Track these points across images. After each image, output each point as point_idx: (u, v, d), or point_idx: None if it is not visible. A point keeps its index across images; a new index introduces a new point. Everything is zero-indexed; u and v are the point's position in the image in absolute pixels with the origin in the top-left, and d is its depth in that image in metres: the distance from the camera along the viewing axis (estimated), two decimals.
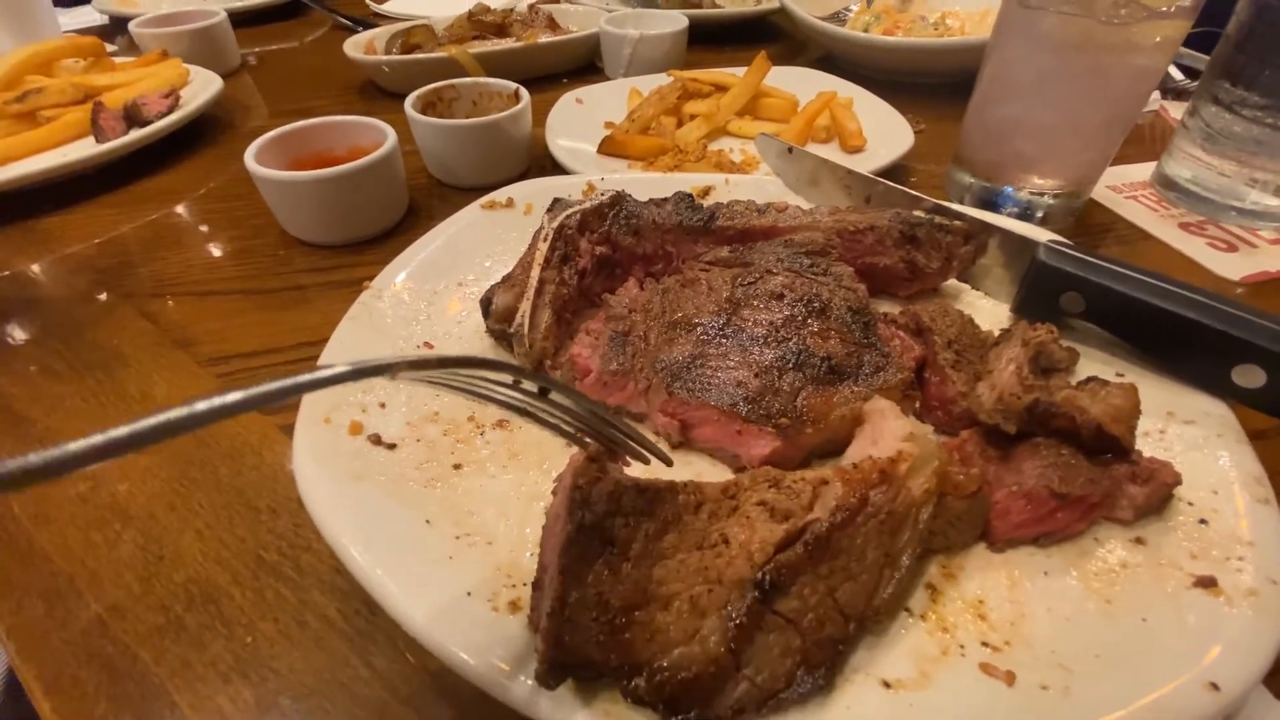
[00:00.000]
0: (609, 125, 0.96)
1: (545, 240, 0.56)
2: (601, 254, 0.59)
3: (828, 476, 0.39)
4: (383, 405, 0.49)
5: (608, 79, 1.19)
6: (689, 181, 0.74)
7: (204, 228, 0.82)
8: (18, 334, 0.66)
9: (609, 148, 0.88)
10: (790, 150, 0.71)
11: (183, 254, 0.77)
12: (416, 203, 0.85)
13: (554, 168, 0.89)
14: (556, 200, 0.60)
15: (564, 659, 0.32)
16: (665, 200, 0.62)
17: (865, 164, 0.83)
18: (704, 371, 0.48)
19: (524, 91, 0.88)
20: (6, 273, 0.75)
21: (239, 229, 0.81)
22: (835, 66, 1.15)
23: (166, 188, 0.91)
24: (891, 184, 0.64)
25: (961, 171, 0.83)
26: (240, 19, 1.37)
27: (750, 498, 0.39)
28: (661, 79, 1.04)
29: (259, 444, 0.54)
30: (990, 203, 0.80)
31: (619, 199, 0.61)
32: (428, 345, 0.56)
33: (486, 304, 0.54)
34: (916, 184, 0.90)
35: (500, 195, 0.70)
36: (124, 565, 0.46)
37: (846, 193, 0.67)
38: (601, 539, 0.36)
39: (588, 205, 0.59)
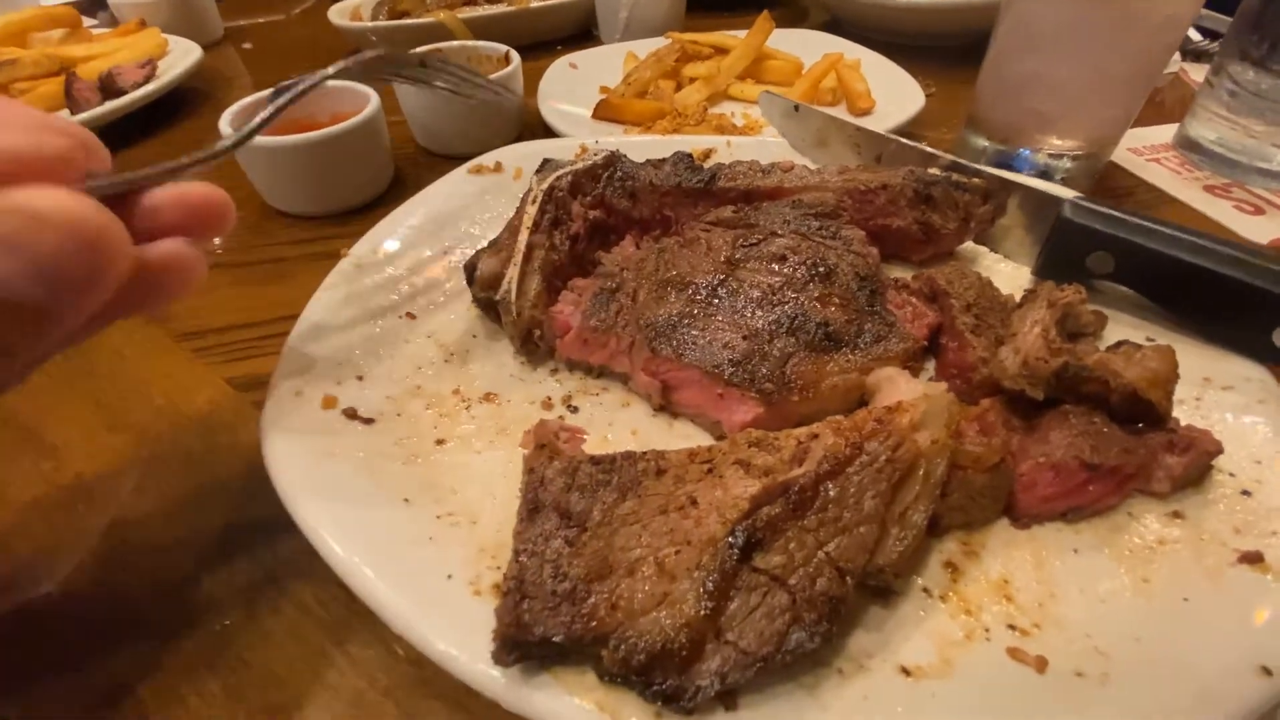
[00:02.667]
0: (604, 90, 0.92)
1: (534, 203, 0.52)
2: (595, 218, 0.56)
3: (819, 430, 0.36)
4: (360, 378, 0.46)
5: (602, 43, 1.15)
6: (689, 144, 0.70)
7: None
8: None
9: (604, 112, 0.84)
10: (796, 108, 0.67)
11: None
12: (403, 172, 0.82)
13: (547, 134, 0.85)
14: (546, 161, 0.56)
15: (520, 636, 0.29)
16: (663, 161, 0.58)
17: (874, 126, 0.78)
18: (690, 332, 0.45)
19: (514, 54, 0.84)
20: None
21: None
22: (842, 30, 1.10)
23: (143, 160, 0.87)
24: (904, 140, 0.60)
25: (976, 134, 0.79)
26: None
27: (727, 459, 0.35)
28: (660, 42, 1.00)
29: (233, 420, 0.51)
30: (1006, 166, 0.76)
31: (613, 159, 0.57)
32: (409, 316, 0.52)
33: (471, 270, 0.51)
34: (928, 144, 0.86)
35: (488, 159, 0.66)
36: (85, 549, 0.43)
37: (856, 152, 0.64)
38: (559, 514, 0.33)
39: (580, 166, 0.56)
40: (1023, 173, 0.76)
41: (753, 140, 0.71)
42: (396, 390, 0.46)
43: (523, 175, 0.65)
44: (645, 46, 0.99)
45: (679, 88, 0.91)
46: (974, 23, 1.07)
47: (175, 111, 0.98)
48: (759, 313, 0.45)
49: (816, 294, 0.46)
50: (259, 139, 0.67)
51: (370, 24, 1.03)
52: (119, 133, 0.90)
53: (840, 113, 0.87)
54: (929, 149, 0.58)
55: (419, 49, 0.85)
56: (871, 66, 0.92)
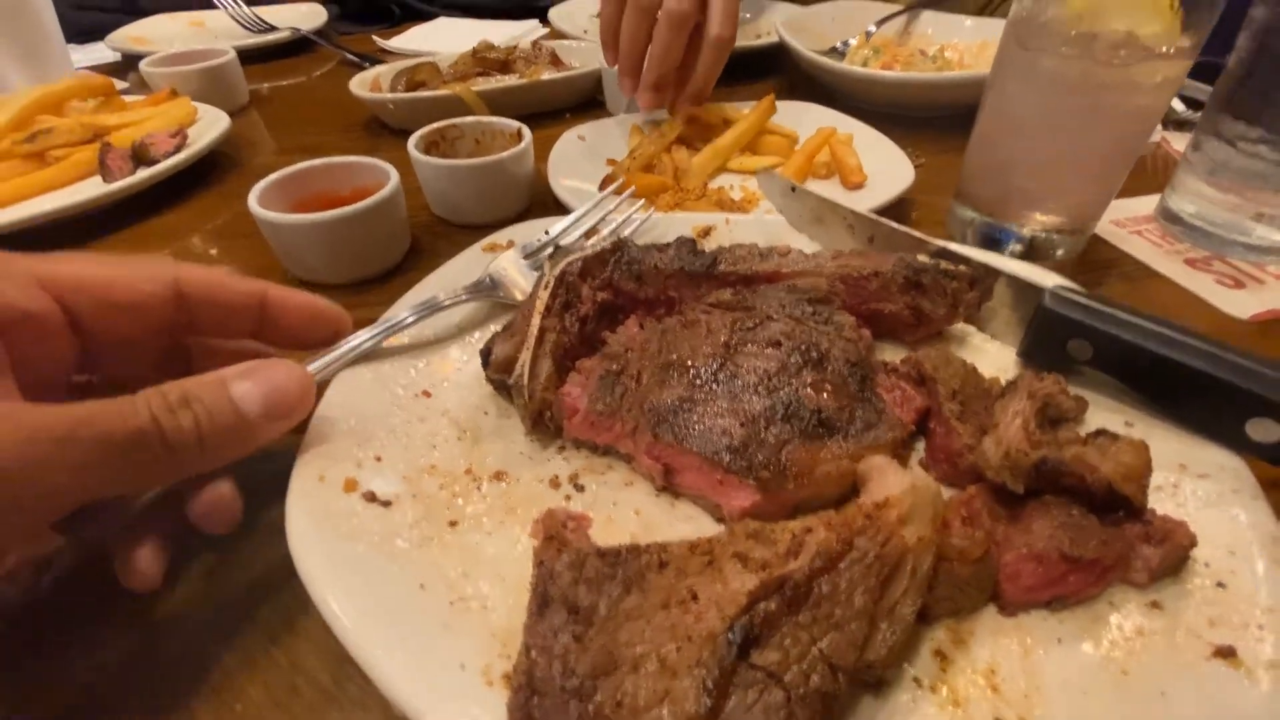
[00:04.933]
0: (611, 163, 0.97)
1: (546, 288, 0.56)
2: (603, 300, 0.59)
3: (812, 524, 0.38)
4: (378, 459, 0.48)
5: (610, 114, 1.20)
6: (691, 221, 0.74)
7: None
8: None
9: (610, 183, 0.89)
10: (794, 189, 0.71)
11: None
12: (419, 240, 0.86)
13: (556, 204, 0.89)
14: (557, 248, 0.60)
15: None
16: (667, 245, 0.62)
17: (866, 200, 0.83)
18: (691, 417, 0.47)
19: (526, 131, 0.89)
20: None
21: (242, 270, 0.81)
22: (835, 98, 1.15)
23: (172, 227, 0.92)
24: (895, 225, 0.63)
25: (963, 207, 0.83)
26: (248, 55, 1.39)
27: (726, 551, 0.37)
28: (663, 114, 1.05)
29: (249, 490, 0.53)
30: (993, 239, 0.80)
31: (621, 245, 0.61)
32: (425, 394, 0.55)
33: (486, 354, 0.54)
34: (918, 218, 0.90)
35: (501, 238, 0.70)
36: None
37: (850, 233, 0.67)
38: (567, 608, 0.35)
39: (589, 252, 0.59)
40: (1009, 245, 0.79)
41: (750, 218, 0.75)
42: (412, 470, 0.48)
43: None
44: (649, 120, 1.05)
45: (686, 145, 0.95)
46: (961, 96, 1.12)
47: (203, 176, 1.03)
48: (755, 398, 0.47)
49: (810, 380, 0.48)
50: (287, 216, 0.72)
51: (390, 95, 1.09)
52: (150, 199, 0.94)
53: (834, 186, 0.92)
54: (918, 235, 0.62)
55: (436, 124, 0.90)
56: (864, 140, 0.97)
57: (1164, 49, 0.63)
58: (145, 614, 0.46)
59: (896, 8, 1.38)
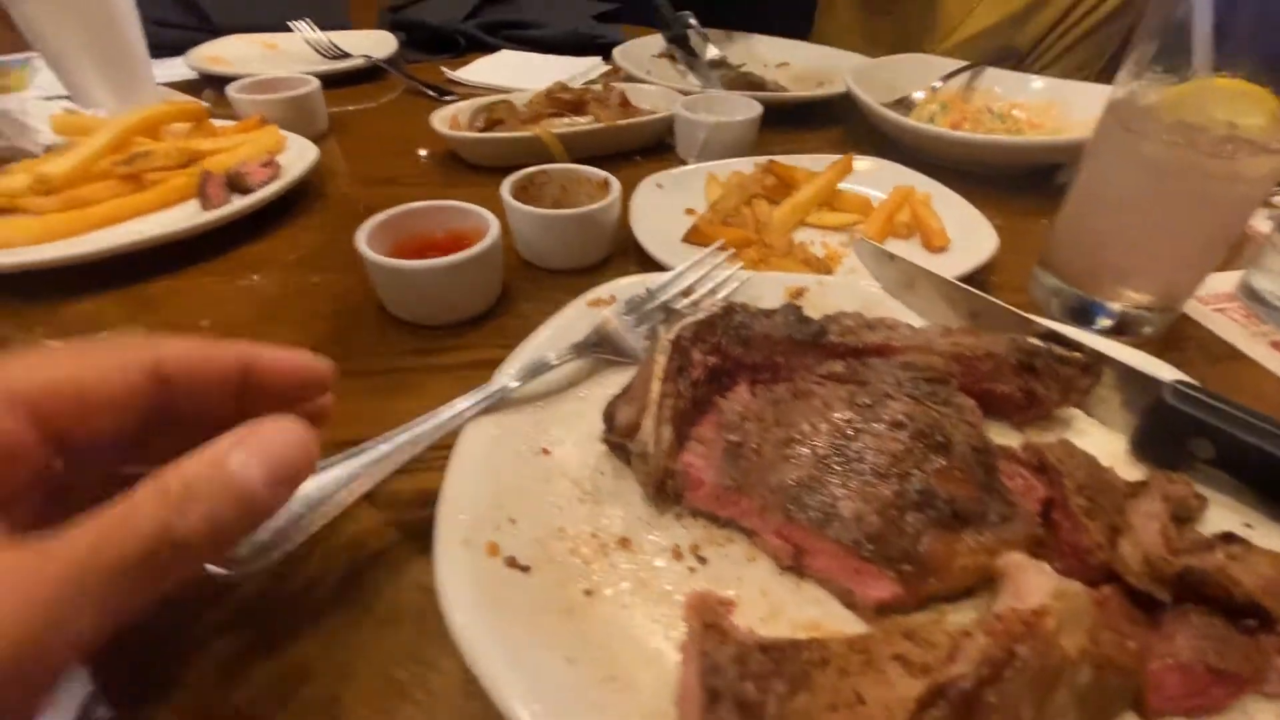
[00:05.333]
0: (690, 212, 0.99)
1: (664, 354, 0.57)
2: (713, 364, 0.60)
3: (969, 629, 0.38)
4: (513, 521, 0.49)
5: (679, 156, 1.23)
6: (782, 282, 0.75)
7: (304, 300, 0.84)
8: None
9: (694, 238, 0.91)
10: (891, 258, 0.72)
11: (287, 330, 0.79)
12: (508, 283, 0.87)
13: (636, 249, 0.91)
14: (671, 311, 0.61)
15: None
16: (774, 311, 0.63)
17: (951, 266, 0.84)
18: (822, 498, 0.48)
19: (614, 182, 0.91)
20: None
21: (338, 303, 0.84)
22: (899, 149, 1.17)
23: (265, 255, 0.95)
24: (1000, 303, 0.64)
25: (1049, 275, 0.84)
26: (322, 80, 1.43)
27: (884, 651, 0.38)
28: (736, 163, 1.07)
29: (374, 542, 0.55)
30: (1081, 311, 0.80)
31: (730, 309, 0.62)
32: (545, 452, 0.56)
33: (610, 418, 0.55)
34: (998, 282, 0.90)
35: (604, 292, 0.71)
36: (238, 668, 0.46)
37: (950, 305, 0.68)
38: (737, 706, 0.36)
39: (701, 316, 0.61)
40: (1098, 319, 0.80)
41: (843, 280, 0.76)
42: (543, 532, 0.50)
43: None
44: (722, 167, 1.07)
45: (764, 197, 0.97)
46: (1036, 160, 1.14)
47: (289, 203, 1.05)
48: (886, 482, 0.48)
49: (938, 465, 0.49)
50: (396, 262, 0.74)
51: (472, 135, 1.11)
52: (241, 226, 0.97)
53: (915, 247, 0.93)
54: (1023, 314, 0.62)
55: (528, 170, 0.92)
56: (941, 200, 0.98)
57: (1275, 145, 0.64)
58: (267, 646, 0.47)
59: (961, 63, 1.40)
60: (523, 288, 0.87)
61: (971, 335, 0.60)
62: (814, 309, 0.73)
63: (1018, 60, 1.48)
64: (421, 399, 0.68)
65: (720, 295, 0.72)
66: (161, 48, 1.77)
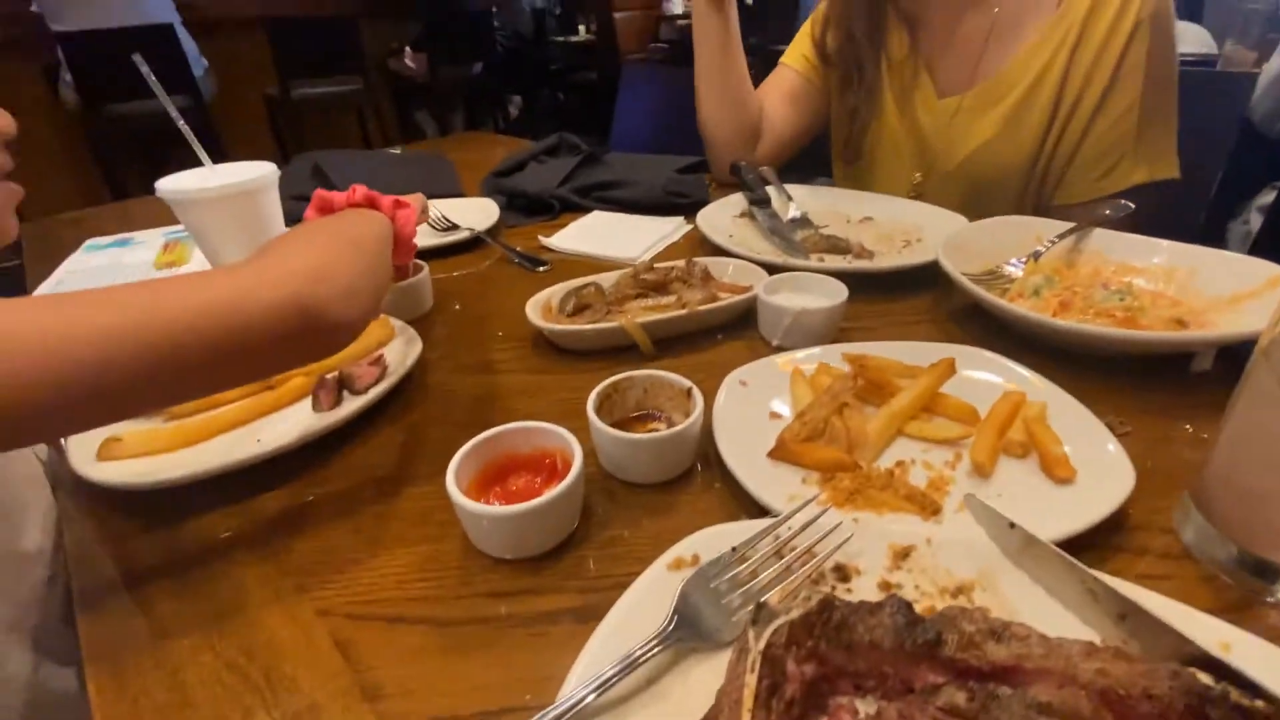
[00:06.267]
0: (774, 416, 0.96)
1: (752, 671, 0.52)
2: (810, 674, 0.54)
3: None
4: None
5: (761, 335, 1.21)
6: (887, 537, 0.69)
7: (395, 525, 0.86)
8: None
9: (781, 454, 0.87)
10: (1011, 527, 0.65)
11: (377, 560, 0.81)
12: (588, 498, 0.86)
13: (718, 460, 0.88)
14: (760, 606, 0.57)
15: None
16: (879, 606, 0.57)
17: (1079, 509, 0.74)
18: None
19: (697, 393, 0.90)
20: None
21: (424, 527, 0.85)
22: (1002, 323, 1.11)
23: (372, 461, 0.98)
24: (1161, 619, 0.55)
25: (1205, 520, 0.73)
26: (424, 252, 1.53)
27: None
28: (822, 352, 1.04)
29: None
30: (1259, 571, 0.68)
31: (829, 606, 0.57)
32: None
33: None
34: (1136, 518, 0.79)
35: (685, 552, 0.68)
36: None
37: (1092, 599, 0.59)
38: None
39: (795, 615, 0.56)
40: (1278, 587, 0.68)
41: (956, 538, 0.69)
42: None
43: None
44: (807, 359, 1.04)
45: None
46: (1172, 353, 1.04)
47: (391, 397, 1.10)
48: None
49: None
50: (482, 507, 0.74)
51: (559, 328, 1.16)
52: (351, 427, 1.02)
53: (1031, 467, 0.84)
54: (1188, 637, 0.53)
55: (612, 380, 0.93)
56: (1058, 409, 0.90)
57: None
58: None
59: (1065, 225, 1.33)
60: (605, 508, 0.86)
61: (1124, 661, 0.51)
62: (923, 573, 0.67)
63: (1128, 215, 1.39)
64: (490, 667, 0.66)
65: (817, 559, 0.67)
66: (295, 219, 2.02)
